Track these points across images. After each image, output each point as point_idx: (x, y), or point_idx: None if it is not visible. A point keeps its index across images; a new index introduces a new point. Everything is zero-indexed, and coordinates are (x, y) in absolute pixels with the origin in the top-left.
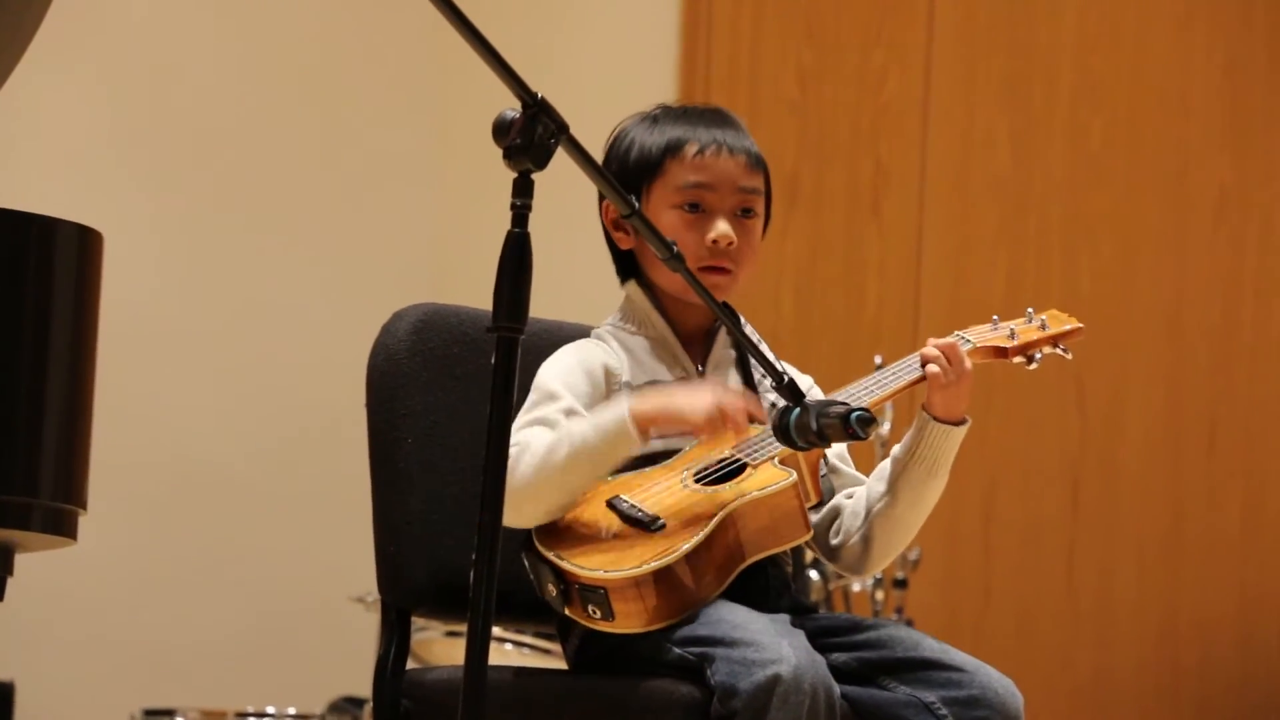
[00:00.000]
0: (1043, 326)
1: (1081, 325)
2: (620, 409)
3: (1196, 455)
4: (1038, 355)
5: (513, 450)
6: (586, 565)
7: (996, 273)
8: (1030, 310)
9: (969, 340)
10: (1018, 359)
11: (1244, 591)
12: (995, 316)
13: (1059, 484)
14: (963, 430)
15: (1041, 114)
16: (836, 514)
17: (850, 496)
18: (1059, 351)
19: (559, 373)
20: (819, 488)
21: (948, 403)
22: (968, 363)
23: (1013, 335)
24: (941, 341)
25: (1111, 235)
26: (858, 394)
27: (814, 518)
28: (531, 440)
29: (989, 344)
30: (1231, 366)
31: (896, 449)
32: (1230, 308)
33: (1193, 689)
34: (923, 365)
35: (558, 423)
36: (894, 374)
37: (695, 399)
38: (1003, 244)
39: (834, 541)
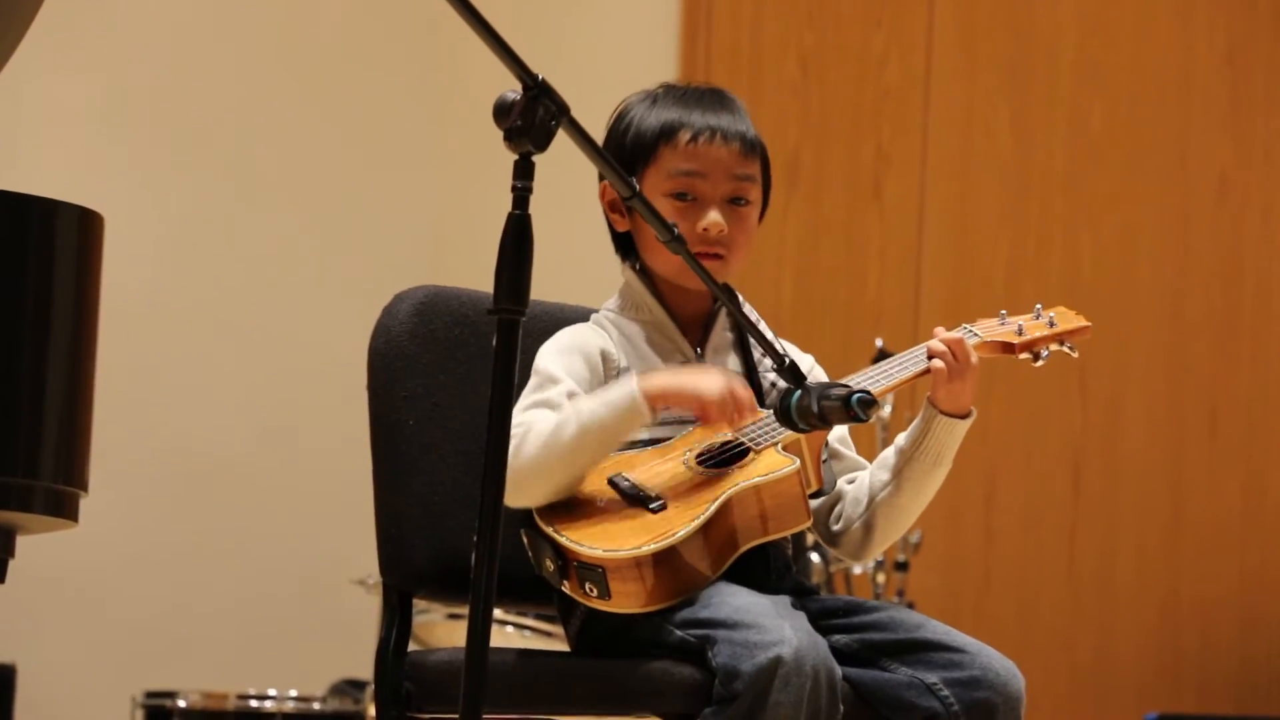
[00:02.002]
0: (1050, 324)
1: (1089, 324)
2: (629, 385)
3: (1197, 439)
4: (1044, 352)
5: (517, 431)
6: (586, 543)
7: (997, 256)
8: (1039, 306)
9: (976, 334)
10: (1024, 355)
11: (1244, 574)
12: (1003, 311)
13: (1060, 467)
14: (968, 423)
15: (1042, 98)
16: (837, 500)
17: (851, 482)
18: (1065, 349)
19: (558, 357)
20: (820, 475)
21: (953, 396)
22: (974, 357)
23: (1020, 331)
24: (948, 335)
25: (1112, 219)
26: (862, 383)
27: (814, 504)
28: (536, 420)
29: (996, 339)
30: (1233, 350)
31: (901, 439)
32: (1231, 292)
33: (1193, 671)
34: (929, 358)
35: (560, 405)
36: (900, 365)
37: (707, 378)
38: (1004, 227)
39: (835, 528)
